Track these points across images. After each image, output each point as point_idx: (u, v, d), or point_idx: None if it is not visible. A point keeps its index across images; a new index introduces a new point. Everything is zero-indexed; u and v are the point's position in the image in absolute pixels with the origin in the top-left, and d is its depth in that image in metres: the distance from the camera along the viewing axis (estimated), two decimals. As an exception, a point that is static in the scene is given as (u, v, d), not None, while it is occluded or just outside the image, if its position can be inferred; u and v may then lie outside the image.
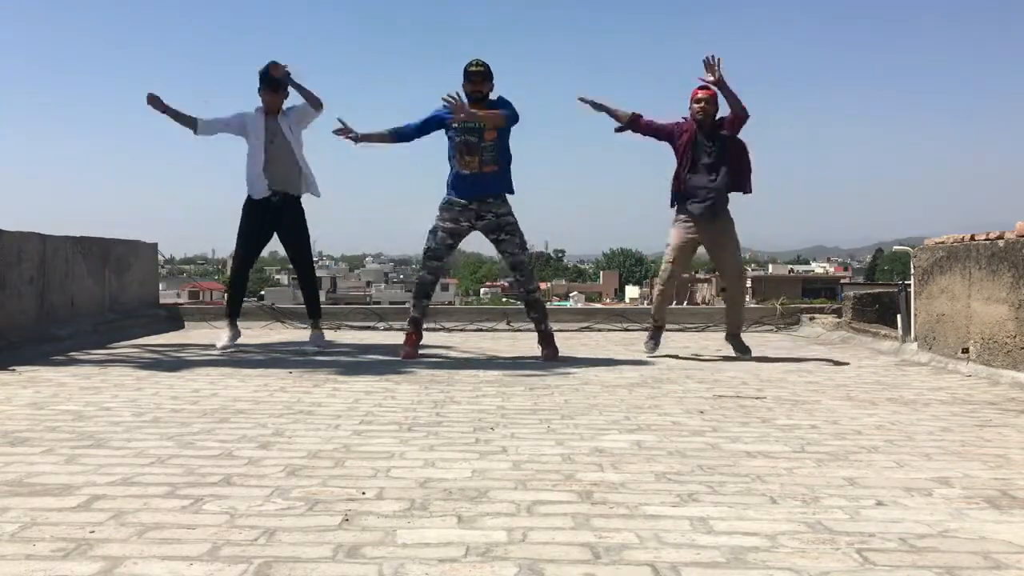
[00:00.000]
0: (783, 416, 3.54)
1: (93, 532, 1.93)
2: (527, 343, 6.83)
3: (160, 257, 9.46)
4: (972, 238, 5.14)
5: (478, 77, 5.53)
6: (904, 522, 2.07)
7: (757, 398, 4.02)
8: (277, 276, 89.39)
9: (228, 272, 7.42)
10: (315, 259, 6.55)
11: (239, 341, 6.13)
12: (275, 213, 6.01)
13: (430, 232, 5.64)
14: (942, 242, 5.56)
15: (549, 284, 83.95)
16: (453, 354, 5.98)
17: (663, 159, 5.87)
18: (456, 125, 5.52)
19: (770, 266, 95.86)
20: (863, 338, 6.86)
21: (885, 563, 1.78)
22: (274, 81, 5.92)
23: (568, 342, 6.95)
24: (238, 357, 5.57)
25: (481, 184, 5.54)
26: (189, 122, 6.01)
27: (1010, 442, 3.04)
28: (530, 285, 5.78)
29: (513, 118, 5.61)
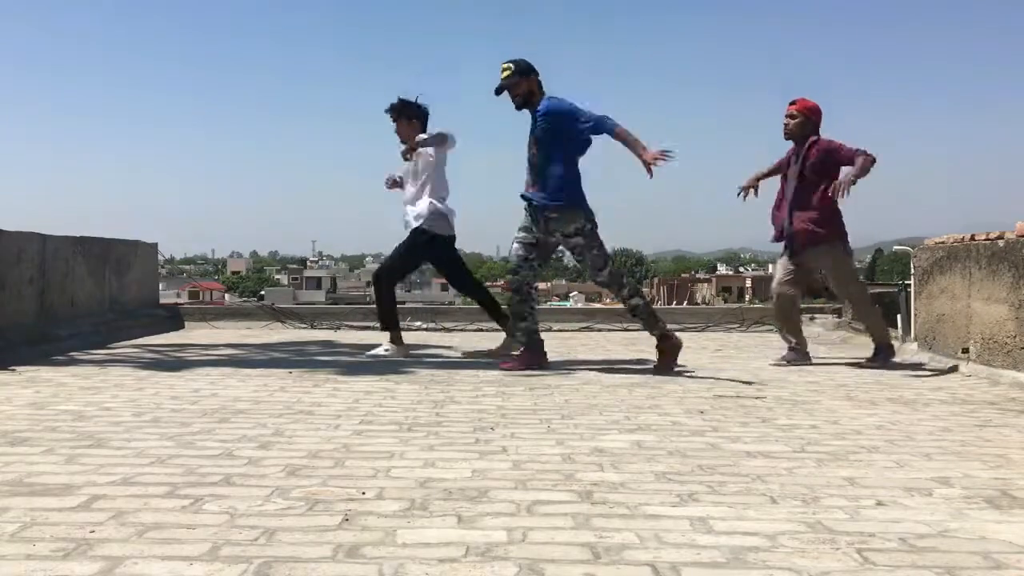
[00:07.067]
0: (783, 416, 3.54)
1: (93, 532, 1.93)
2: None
3: (160, 257, 9.44)
4: (972, 238, 5.13)
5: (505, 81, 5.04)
6: (904, 522, 2.07)
7: (757, 398, 4.02)
8: (277, 276, 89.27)
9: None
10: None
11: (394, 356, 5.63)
12: (421, 247, 5.72)
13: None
14: (942, 242, 5.56)
15: (549, 284, 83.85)
16: (453, 354, 5.98)
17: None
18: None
19: (771, 266, 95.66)
20: (863, 338, 6.85)
21: (885, 563, 1.78)
22: (392, 111, 5.72)
23: (568, 342, 6.96)
24: (238, 357, 5.57)
25: (532, 203, 5.05)
26: None
27: (1010, 442, 3.04)
28: (622, 293, 5.07)
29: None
